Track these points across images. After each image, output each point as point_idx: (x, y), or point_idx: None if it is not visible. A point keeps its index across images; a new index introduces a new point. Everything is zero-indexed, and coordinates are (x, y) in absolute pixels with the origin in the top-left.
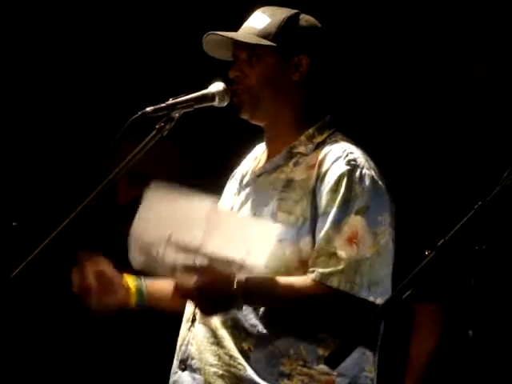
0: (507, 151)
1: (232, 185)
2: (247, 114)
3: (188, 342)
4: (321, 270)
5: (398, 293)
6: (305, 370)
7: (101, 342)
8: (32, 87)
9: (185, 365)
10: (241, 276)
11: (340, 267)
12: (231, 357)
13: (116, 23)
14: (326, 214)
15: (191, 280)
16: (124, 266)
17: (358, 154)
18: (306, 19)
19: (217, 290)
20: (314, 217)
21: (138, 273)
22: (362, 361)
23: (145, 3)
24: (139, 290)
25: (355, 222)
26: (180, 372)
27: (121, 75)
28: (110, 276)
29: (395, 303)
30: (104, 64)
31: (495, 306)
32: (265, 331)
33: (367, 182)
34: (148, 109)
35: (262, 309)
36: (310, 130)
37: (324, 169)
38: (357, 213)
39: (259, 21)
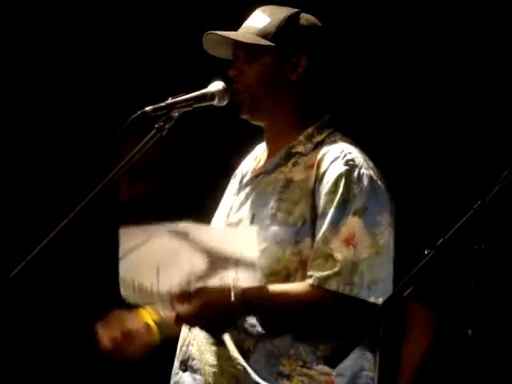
0: (506, 151)
1: (233, 185)
2: (247, 114)
3: (189, 342)
4: (318, 274)
5: (398, 292)
6: (304, 370)
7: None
8: (32, 87)
9: (185, 365)
10: (237, 288)
11: (336, 269)
12: (231, 357)
13: (116, 23)
14: (325, 215)
15: (188, 306)
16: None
17: (356, 154)
18: (306, 18)
19: (215, 306)
20: (314, 218)
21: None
22: (362, 360)
23: (145, 3)
24: (159, 326)
25: (353, 223)
26: (181, 373)
27: (121, 75)
28: (135, 330)
29: (394, 302)
30: (104, 64)
31: (494, 306)
32: (264, 331)
33: (365, 181)
34: (147, 108)
35: None
36: (309, 130)
37: (322, 169)
38: (354, 214)
39: (259, 20)
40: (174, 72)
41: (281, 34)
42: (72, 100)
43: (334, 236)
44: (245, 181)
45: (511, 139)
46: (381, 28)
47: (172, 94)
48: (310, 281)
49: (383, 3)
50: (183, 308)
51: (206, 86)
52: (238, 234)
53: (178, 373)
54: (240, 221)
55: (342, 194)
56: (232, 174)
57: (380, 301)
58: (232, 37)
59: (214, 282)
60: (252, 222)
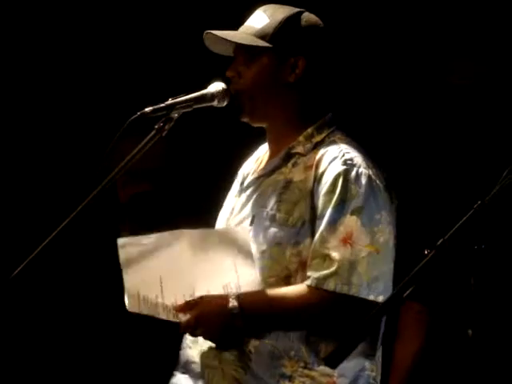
0: (506, 151)
1: (234, 186)
2: (247, 117)
3: (187, 345)
4: (316, 275)
5: (398, 292)
6: (306, 371)
7: (101, 343)
8: (32, 87)
9: (185, 368)
10: (235, 294)
11: (333, 269)
12: (232, 360)
13: (116, 23)
14: (323, 215)
15: (188, 316)
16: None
17: (354, 153)
18: (306, 19)
19: (213, 314)
20: (313, 218)
21: None
22: (364, 361)
23: (145, 3)
24: None
25: (350, 222)
26: (180, 375)
27: (120, 75)
28: None
29: (394, 303)
30: (103, 64)
31: (495, 306)
32: (266, 333)
33: (363, 181)
34: (147, 109)
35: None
36: (309, 130)
37: (321, 170)
38: (352, 213)
39: (258, 20)
40: (174, 72)
41: (278, 35)
42: (72, 100)
43: (331, 235)
44: (246, 182)
45: (510, 139)
46: (379, 28)
47: (172, 94)
48: (307, 282)
49: (382, 3)
50: (184, 318)
51: (205, 87)
52: (231, 233)
53: (177, 375)
54: (241, 222)
55: (340, 193)
56: (234, 175)
57: (380, 299)
58: (228, 38)
59: (217, 288)
60: (252, 223)
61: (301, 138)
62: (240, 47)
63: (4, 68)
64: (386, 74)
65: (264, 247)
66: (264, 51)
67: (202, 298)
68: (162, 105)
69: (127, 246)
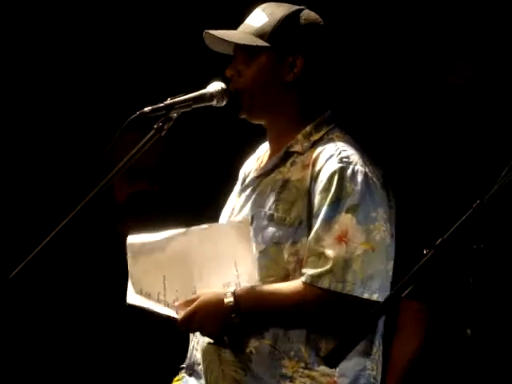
0: (505, 150)
1: (237, 186)
2: (245, 114)
3: (193, 347)
4: (310, 272)
5: (397, 291)
6: (306, 371)
7: (104, 344)
8: (31, 87)
9: (191, 370)
10: (230, 289)
11: (328, 267)
12: (233, 361)
13: (115, 23)
14: (318, 213)
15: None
16: (121, 263)
17: (351, 151)
18: (305, 17)
19: (208, 309)
20: (310, 217)
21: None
22: (364, 360)
23: (144, 3)
24: None
25: (345, 220)
26: (187, 377)
27: (120, 75)
28: None
29: (393, 302)
30: (103, 64)
31: (493, 305)
32: (266, 333)
33: (359, 178)
34: (146, 109)
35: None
36: (308, 128)
37: (317, 168)
38: (347, 211)
39: (257, 19)
40: (174, 72)
41: (277, 33)
42: (71, 101)
43: (326, 233)
44: (246, 182)
45: (509, 138)
46: (379, 27)
47: (171, 94)
48: (302, 278)
49: (381, 2)
50: (182, 313)
51: (204, 87)
52: (231, 228)
53: (184, 376)
54: None
55: (335, 191)
56: (235, 174)
57: (375, 297)
58: (226, 38)
59: (218, 288)
60: (251, 223)
61: (299, 137)
62: (239, 46)
63: (4, 68)
64: (386, 71)
65: (262, 247)
66: (263, 50)
67: (201, 294)
68: (161, 104)
69: (136, 242)
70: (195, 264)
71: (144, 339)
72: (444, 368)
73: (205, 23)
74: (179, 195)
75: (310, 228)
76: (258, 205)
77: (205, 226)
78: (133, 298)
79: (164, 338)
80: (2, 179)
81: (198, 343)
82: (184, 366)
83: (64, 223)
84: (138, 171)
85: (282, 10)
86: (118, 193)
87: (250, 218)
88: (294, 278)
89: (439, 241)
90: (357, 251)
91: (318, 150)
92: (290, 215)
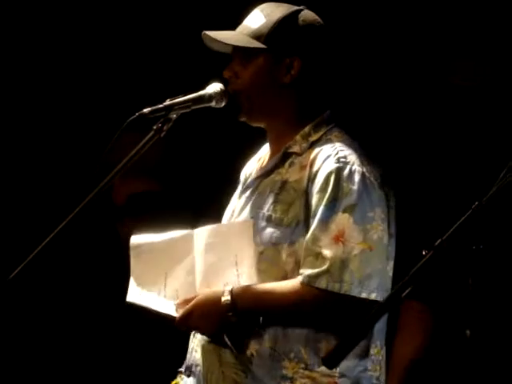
0: (504, 151)
1: (238, 187)
2: (245, 117)
3: (193, 348)
4: (308, 272)
5: (396, 293)
6: (307, 372)
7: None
8: (31, 88)
9: (190, 371)
10: (228, 287)
11: (325, 267)
12: (233, 363)
13: (115, 24)
14: (315, 213)
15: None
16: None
17: (348, 151)
18: (303, 18)
19: (205, 307)
20: (308, 217)
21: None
22: (365, 361)
23: (143, 3)
24: None
25: (342, 220)
26: (186, 378)
27: (119, 76)
28: None
29: (392, 303)
30: (102, 65)
31: (492, 306)
32: (266, 336)
33: (357, 178)
34: (145, 110)
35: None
36: (306, 129)
37: (315, 169)
38: (344, 211)
39: (255, 20)
40: (173, 73)
41: (274, 35)
42: (70, 101)
43: (323, 233)
44: (247, 183)
45: (509, 140)
46: (381, 26)
47: (170, 95)
48: (300, 278)
49: (383, 2)
50: (180, 312)
51: (204, 88)
52: (233, 227)
53: (183, 378)
54: None
55: (332, 191)
56: (237, 175)
57: (373, 296)
58: (222, 40)
59: (218, 284)
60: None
61: (297, 138)
62: (236, 48)
63: (4, 68)
64: (387, 71)
65: (261, 248)
66: (260, 52)
67: (200, 293)
68: (161, 106)
69: (139, 242)
70: (197, 263)
71: (143, 340)
72: (443, 368)
73: (204, 23)
74: (180, 196)
75: (307, 228)
76: (257, 206)
77: (208, 226)
78: (133, 296)
79: (163, 339)
80: (2, 179)
81: (197, 344)
82: (182, 369)
83: (64, 224)
84: (140, 172)
85: (279, 11)
86: (118, 194)
87: (252, 219)
88: (292, 279)
89: (438, 242)
90: (354, 251)
91: (316, 150)
92: (288, 216)
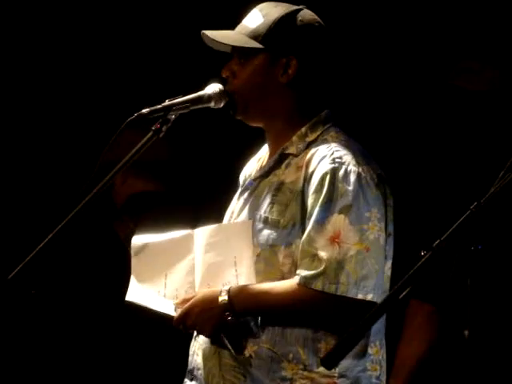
0: (503, 152)
1: (237, 189)
2: (241, 116)
3: (194, 352)
4: (304, 274)
5: (394, 294)
6: (306, 373)
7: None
8: (31, 88)
9: (192, 375)
10: (225, 287)
11: (321, 269)
12: (233, 366)
13: (114, 24)
14: (311, 214)
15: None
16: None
17: (344, 151)
18: (302, 18)
19: (202, 307)
20: (304, 219)
21: None
22: (365, 361)
23: (143, 3)
24: None
25: (338, 221)
26: (188, 382)
27: (118, 76)
28: None
29: (391, 304)
30: (101, 65)
31: (491, 307)
32: (264, 337)
33: (352, 178)
34: (144, 110)
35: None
36: (303, 129)
37: (311, 170)
38: (340, 212)
39: (253, 20)
40: (172, 73)
41: (271, 35)
42: (71, 101)
43: (319, 235)
44: (245, 184)
45: (508, 141)
46: (382, 25)
47: (169, 95)
48: (297, 279)
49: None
50: (178, 311)
51: (203, 88)
52: (232, 228)
53: (186, 381)
54: None
55: (327, 192)
56: (238, 175)
57: (369, 297)
58: (220, 39)
59: (218, 284)
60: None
61: (294, 138)
62: (235, 47)
63: (4, 68)
64: (387, 71)
65: (258, 250)
66: (257, 52)
67: (197, 293)
68: (159, 106)
69: (140, 242)
70: (197, 263)
71: (143, 341)
72: (441, 369)
73: (204, 23)
74: (181, 196)
75: (303, 230)
76: (254, 208)
77: (208, 226)
78: (132, 295)
79: (164, 341)
80: (1, 179)
81: (198, 348)
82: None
83: (63, 223)
84: (143, 172)
85: (278, 11)
86: (118, 193)
87: (251, 219)
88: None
89: (437, 242)
90: (350, 252)
91: (312, 151)
92: (284, 217)
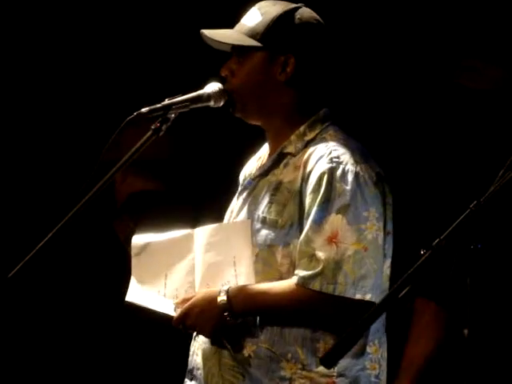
0: (503, 151)
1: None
2: (239, 114)
3: (194, 351)
4: (302, 274)
5: (394, 292)
6: (304, 373)
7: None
8: (31, 88)
9: (192, 375)
10: (224, 287)
11: (319, 269)
12: (232, 365)
13: (114, 23)
14: (309, 214)
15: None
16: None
17: (342, 150)
18: (300, 16)
19: (200, 307)
20: (302, 218)
21: None
22: (363, 360)
23: (143, 3)
24: None
25: (336, 221)
26: (188, 381)
27: (118, 76)
28: None
29: (390, 303)
30: (101, 64)
31: (491, 306)
32: (263, 337)
33: (350, 178)
34: (143, 109)
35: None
36: (301, 128)
37: (308, 169)
38: (338, 211)
39: (251, 18)
40: (171, 73)
41: (269, 33)
42: (70, 101)
43: (316, 235)
44: (244, 184)
45: (508, 140)
46: (383, 23)
47: (169, 94)
48: (294, 280)
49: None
50: (178, 311)
51: (202, 87)
52: (231, 228)
53: (186, 381)
54: None
55: (325, 192)
56: (238, 174)
57: (368, 297)
58: (219, 38)
59: (217, 284)
60: None
61: (292, 138)
62: (234, 46)
63: (4, 68)
64: (387, 69)
65: (256, 250)
66: (255, 50)
67: (196, 293)
68: (159, 105)
69: (140, 241)
70: (197, 263)
71: (144, 345)
72: (441, 368)
73: (204, 23)
74: (181, 196)
75: (301, 230)
76: (253, 208)
77: (208, 226)
78: (132, 296)
79: (164, 343)
80: (1, 179)
81: (198, 348)
82: None
83: (63, 222)
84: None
85: (276, 9)
86: (119, 192)
87: (250, 219)
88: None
89: (436, 241)
90: (347, 252)
91: (310, 150)
92: (282, 217)
